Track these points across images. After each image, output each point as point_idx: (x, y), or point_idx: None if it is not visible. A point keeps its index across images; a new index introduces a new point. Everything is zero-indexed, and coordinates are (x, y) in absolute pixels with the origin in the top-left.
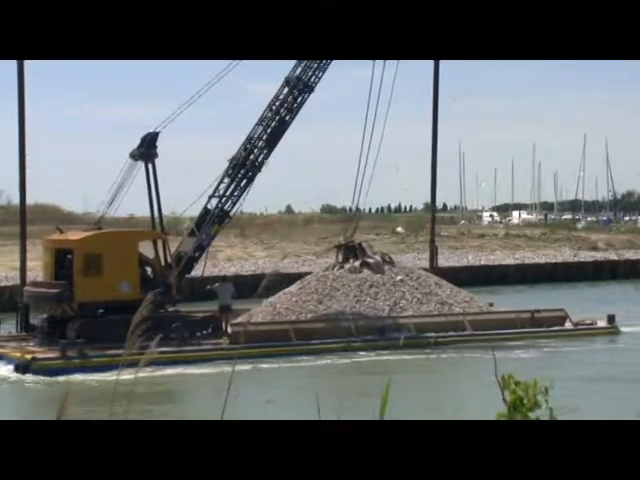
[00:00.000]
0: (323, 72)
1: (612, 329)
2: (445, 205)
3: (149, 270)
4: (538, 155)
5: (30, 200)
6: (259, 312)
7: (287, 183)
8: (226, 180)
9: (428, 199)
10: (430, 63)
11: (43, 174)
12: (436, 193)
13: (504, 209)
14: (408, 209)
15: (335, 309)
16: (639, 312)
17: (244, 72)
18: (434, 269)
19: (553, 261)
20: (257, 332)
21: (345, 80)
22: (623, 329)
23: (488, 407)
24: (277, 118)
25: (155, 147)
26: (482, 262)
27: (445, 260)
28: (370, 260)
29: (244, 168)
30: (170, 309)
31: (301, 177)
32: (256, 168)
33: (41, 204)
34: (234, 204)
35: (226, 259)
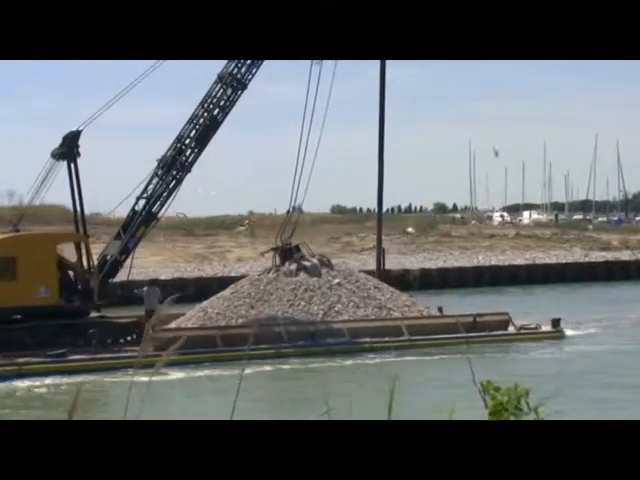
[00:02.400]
0: (257, 69)
1: (557, 333)
2: (455, 205)
3: (71, 274)
4: (549, 155)
5: (37, 200)
6: (190, 317)
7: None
8: (154, 181)
9: (437, 199)
10: (435, 65)
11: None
12: (382, 195)
13: (515, 209)
14: (418, 209)
15: (267, 314)
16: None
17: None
18: (380, 272)
19: (564, 261)
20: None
21: (358, 80)
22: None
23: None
24: (208, 116)
25: (77, 146)
26: (492, 262)
27: (455, 260)
28: (307, 263)
29: (173, 168)
30: (94, 315)
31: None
32: (185, 169)
33: (48, 204)
34: (162, 205)
35: (236, 259)
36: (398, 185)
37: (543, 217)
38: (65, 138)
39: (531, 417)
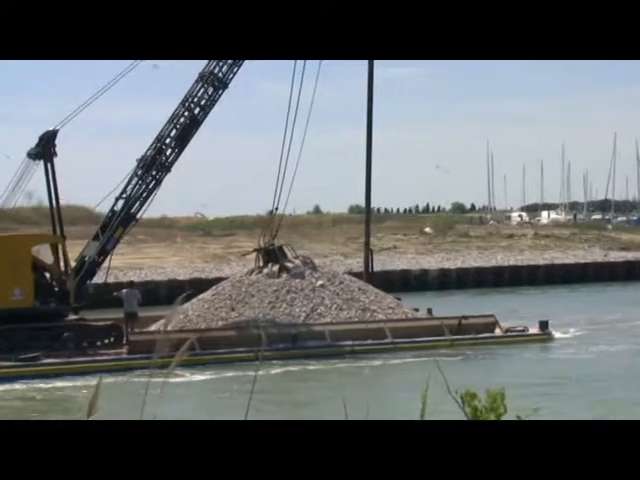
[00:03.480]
0: (238, 68)
1: (544, 335)
2: (473, 205)
3: (48, 276)
4: (568, 155)
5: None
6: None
7: (315, 183)
8: (134, 181)
9: (456, 199)
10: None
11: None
12: (371, 195)
13: (533, 209)
14: (436, 209)
15: (247, 316)
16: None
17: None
18: (368, 274)
19: (583, 261)
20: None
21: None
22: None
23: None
24: (189, 115)
25: (54, 146)
26: (511, 262)
27: (473, 260)
28: (290, 264)
29: (153, 168)
30: (72, 317)
31: (330, 177)
32: (165, 169)
33: (72, 205)
34: (141, 206)
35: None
36: (416, 185)
37: (562, 217)
38: (41, 138)
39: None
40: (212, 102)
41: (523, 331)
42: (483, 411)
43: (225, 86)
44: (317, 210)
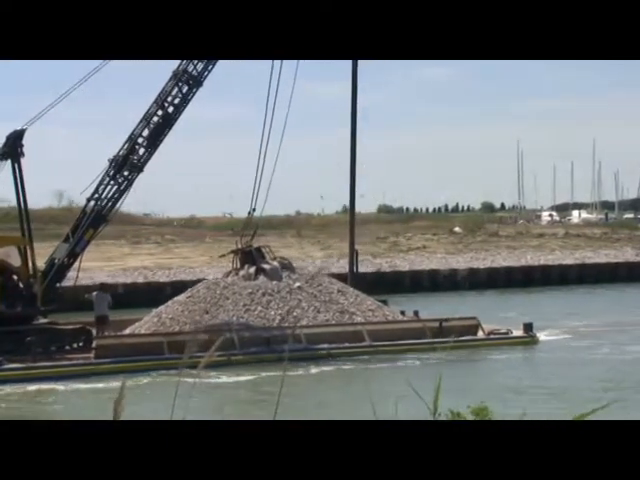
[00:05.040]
0: (213, 66)
1: (528, 338)
2: (503, 205)
3: (15, 279)
4: (598, 153)
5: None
6: (144, 323)
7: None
8: (105, 181)
9: (485, 199)
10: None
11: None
12: (355, 195)
13: (564, 208)
14: (465, 209)
15: (221, 319)
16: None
17: None
18: (354, 275)
19: (614, 261)
20: (125, 345)
21: (405, 80)
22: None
23: None
24: (162, 114)
25: (21, 145)
26: (541, 262)
27: (503, 260)
28: (266, 266)
29: (125, 168)
30: (41, 321)
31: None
32: (137, 168)
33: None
34: (112, 207)
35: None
36: (445, 184)
37: (593, 216)
38: (8, 137)
39: None
40: (187, 101)
41: (506, 334)
42: None
43: (200, 84)
44: (346, 210)
